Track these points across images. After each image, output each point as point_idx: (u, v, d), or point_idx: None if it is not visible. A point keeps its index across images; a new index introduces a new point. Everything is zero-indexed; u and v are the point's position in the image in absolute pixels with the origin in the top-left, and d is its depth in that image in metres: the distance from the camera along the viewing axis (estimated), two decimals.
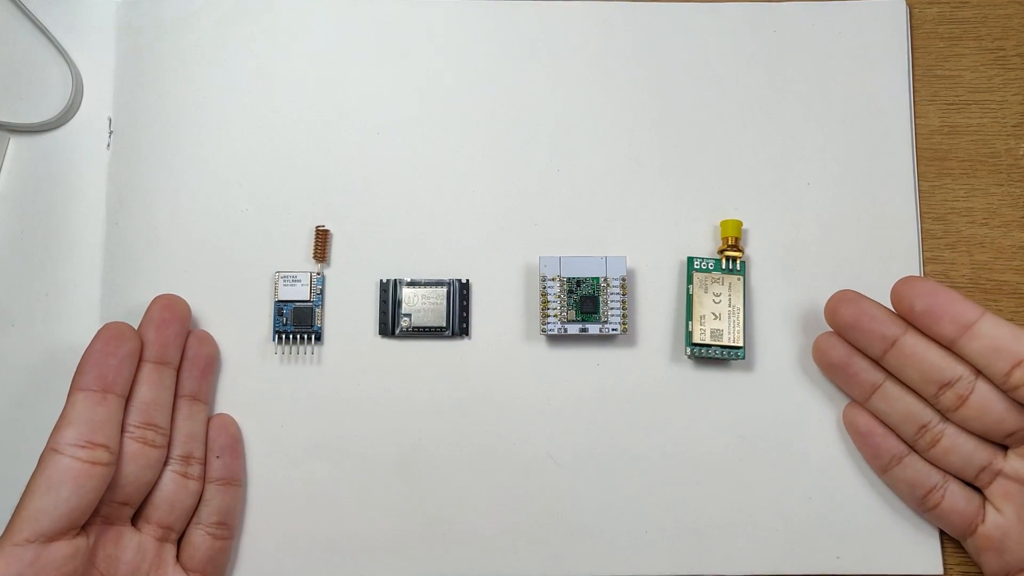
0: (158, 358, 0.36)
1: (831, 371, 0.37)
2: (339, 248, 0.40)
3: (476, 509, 0.39)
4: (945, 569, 0.38)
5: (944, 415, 0.35)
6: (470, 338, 0.40)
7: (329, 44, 0.42)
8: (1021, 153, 0.42)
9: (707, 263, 0.39)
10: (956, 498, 0.36)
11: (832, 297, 0.36)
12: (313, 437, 0.39)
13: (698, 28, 0.42)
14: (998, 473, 0.35)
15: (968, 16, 0.43)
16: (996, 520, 0.35)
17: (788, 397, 0.39)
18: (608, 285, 0.39)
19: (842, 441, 0.39)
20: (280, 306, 0.40)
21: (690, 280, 0.39)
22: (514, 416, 0.39)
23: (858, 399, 0.37)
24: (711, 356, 0.39)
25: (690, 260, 0.40)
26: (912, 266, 0.40)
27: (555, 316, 0.39)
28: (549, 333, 0.39)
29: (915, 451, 0.36)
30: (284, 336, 0.39)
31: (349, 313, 0.40)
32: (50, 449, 0.32)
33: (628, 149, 0.41)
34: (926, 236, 0.41)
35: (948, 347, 0.33)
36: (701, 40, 0.42)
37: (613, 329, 0.38)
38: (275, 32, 0.42)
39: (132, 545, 0.35)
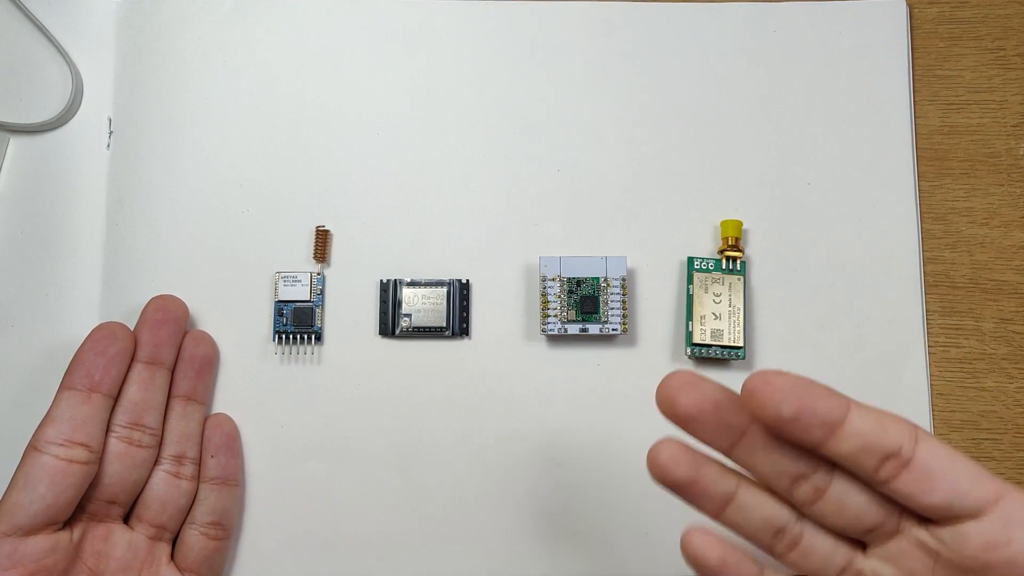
0: (150, 358, 0.36)
1: (676, 489, 0.29)
2: (339, 248, 0.40)
3: (476, 509, 0.39)
4: None
5: (800, 511, 0.30)
6: (470, 338, 0.40)
7: (329, 44, 0.42)
8: (1021, 153, 0.42)
9: (707, 263, 0.39)
10: None
11: (665, 382, 0.28)
12: (313, 437, 0.39)
13: (698, 28, 0.42)
14: (859, 573, 0.30)
15: (968, 16, 0.43)
16: None
17: None
18: (608, 285, 0.39)
19: None
20: (280, 306, 0.40)
21: (690, 280, 0.39)
22: (514, 416, 0.39)
23: (708, 515, 0.30)
24: (711, 356, 0.39)
25: (690, 260, 0.40)
26: (912, 266, 0.40)
27: (555, 316, 0.39)
28: (549, 333, 0.39)
29: (772, 555, 0.30)
30: (284, 336, 0.39)
31: (349, 313, 0.40)
32: (31, 446, 0.33)
33: (628, 149, 0.41)
34: (926, 236, 0.41)
35: (812, 449, 0.28)
36: (701, 40, 0.42)
37: (613, 329, 0.38)
38: (275, 32, 0.42)
39: (122, 543, 0.35)
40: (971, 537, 0.26)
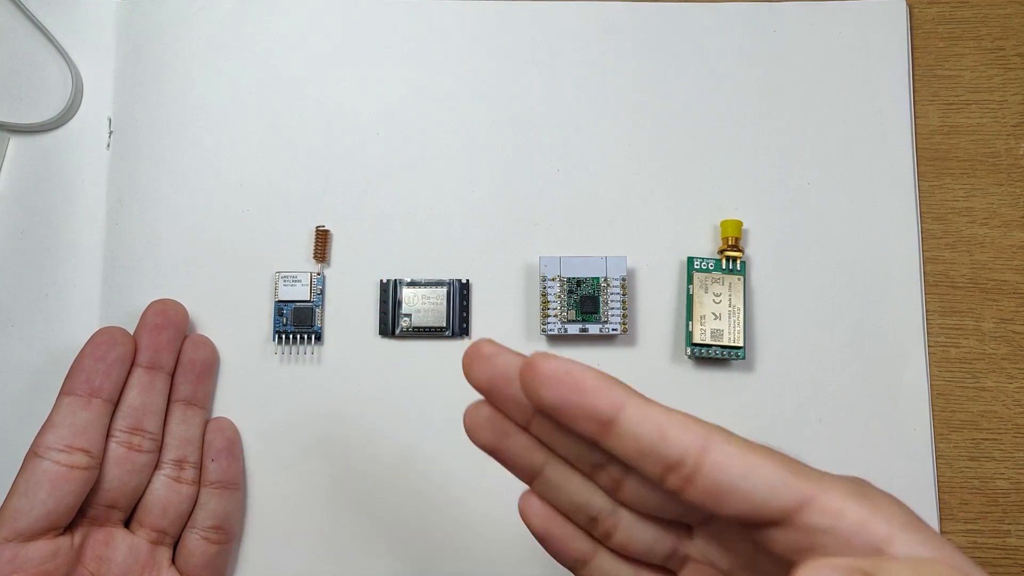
0: (150, 363, 0.36)
1: (488, 452, 0.29)
2: (339, 248, 0.40)
3: (476, 510, 0.39)
4: None
5: (611, 496, 0.28)
6: (470, 338, 0.40)
7: (329, 44, 0.42)
8: (1021, 153, 0.42)
9: (707, 263, 0.39)
10: None
11: (466, 352, 0.27)
12: (313, 437, 0.39)
13: (698, 28, 0.42)
14: (686, 559, 0.28)
15: (968, 16, 0.43)
16: None
17: (788, 397, 0.39)
18: (608, 285, 0.39)
19: (842, 441, 0.39)
20: (280, 306, 0.40)
21: (690, 280, 0.39)
22: None
23: (527, 483, 0.29)
24: (711, 356, 0.39)
25: (690, 260, 0.40)
26: (912, 266, 0.40)
27: (555, 316, 0.39)
28: (549, 333, 0.39)
29: (598, 540, 0.29)
30: (284, 336, 0.39)
31: (349, 313, 0.40)
32: (31, 452, 0.33)
33: (628, 149, 0.41)
34: (926, 236, 0.41)
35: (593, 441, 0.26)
36: (701, 40, 0.42)
37: (613, 329, 0.39)
38: (275, 32, 0.42)
39: (124, 547, 0.35)
40: (778, 540, 0.24)
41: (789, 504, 0.24)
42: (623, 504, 0.28)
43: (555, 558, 0.30)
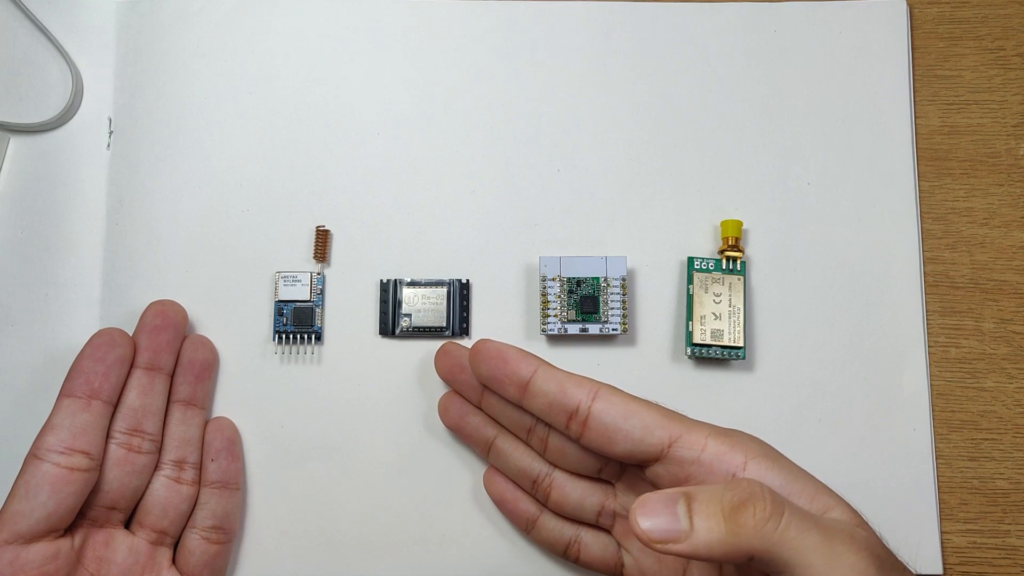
0: (149, 364, 0.36)
1: (453, 432, 0.38)
2: (339, 248, 0.40)
3: (475, 509, 0.39)
4: (945, 569, 0.38)
5: (544, 459, 0.35)
6: (470, 338, 0.40)
7: (329, 44, 0.42)
8: (1021, 153, 0.42)
9: (707, 263, 0.39)
10: (591, 548, 0.35)
11: (435, 353, 0.37)
12: (313, 437, 0.39)
13: (698, 28, 0.42)
14: (614, 515, 0.35)
15: (968, 16, 0.43)
16: (629, 561, 0.34)
17: (788, 397, 0.39)
18: (608, 285, 0.39)
19: (842, 441, 0.39)
20: (280, 306, 0.40)
21: (690, 280, 0.39)
22: None
23: (485, 458, 0.37)
24: (711, 356, 0.39)
25: (690, 260, 0.40)
26: (912, 266, 0.40)
27: (555, 316, 0.39)
28: (549, 333, 0.39)
29: (541, 503, 0.36)
30: (284, 336, 0.39)
31: (349, 313, 0.40)
32: (31, 454, 0.33)
33: (628, 149, 0.41)
34: (926, 236, 0.41)
35: (519, 406, 0.34)
36: (701, 40, 0.42)
37: (613, 329, 0.39)
38: (275, 32, 0.42)
39: (124, 548, 0.35)
40: (662, 476, 0.30)
41: (662, 440, 0.30)
42: (552, 464, 0.35)
43: (510, 520, 0.37)
